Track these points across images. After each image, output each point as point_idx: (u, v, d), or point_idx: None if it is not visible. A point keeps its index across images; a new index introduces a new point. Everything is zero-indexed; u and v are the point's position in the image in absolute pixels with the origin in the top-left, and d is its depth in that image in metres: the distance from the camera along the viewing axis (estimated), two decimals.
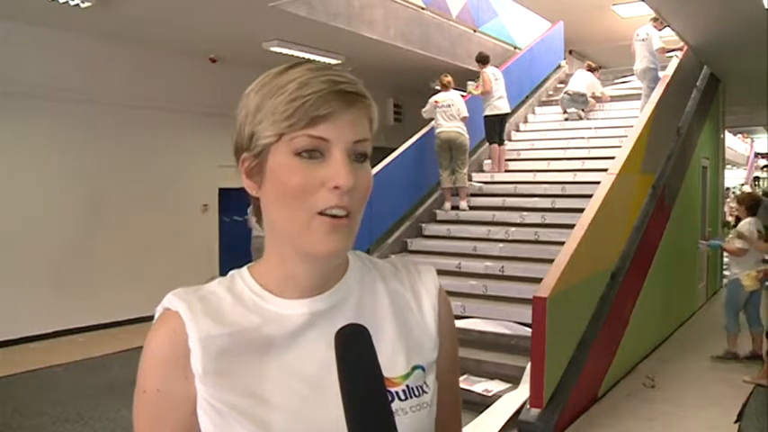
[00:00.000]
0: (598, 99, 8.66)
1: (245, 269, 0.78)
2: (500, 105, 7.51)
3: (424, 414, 0.75)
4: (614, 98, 8.94)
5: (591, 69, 8.78)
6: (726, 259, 5.87)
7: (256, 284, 0.76)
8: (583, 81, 8.46)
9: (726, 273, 5.79)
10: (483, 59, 7.62)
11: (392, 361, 0.75)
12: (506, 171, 7.60)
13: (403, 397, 0.73)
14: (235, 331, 0.72)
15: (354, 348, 0.63)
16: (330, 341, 0.65)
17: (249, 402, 0.69)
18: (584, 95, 8.39)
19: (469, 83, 8.05)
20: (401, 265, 0.86)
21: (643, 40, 7.50)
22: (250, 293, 0.75)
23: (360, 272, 0.80)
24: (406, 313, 0.80)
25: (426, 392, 0.76)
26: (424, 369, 0.77)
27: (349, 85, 0.70)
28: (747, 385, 4.89)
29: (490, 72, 7.53)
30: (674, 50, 7.45)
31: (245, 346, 0.71)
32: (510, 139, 8.16)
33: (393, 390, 0.73)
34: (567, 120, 8.50)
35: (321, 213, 0.68)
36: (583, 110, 8.43)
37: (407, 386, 0.74)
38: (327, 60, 7.73)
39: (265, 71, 0.74)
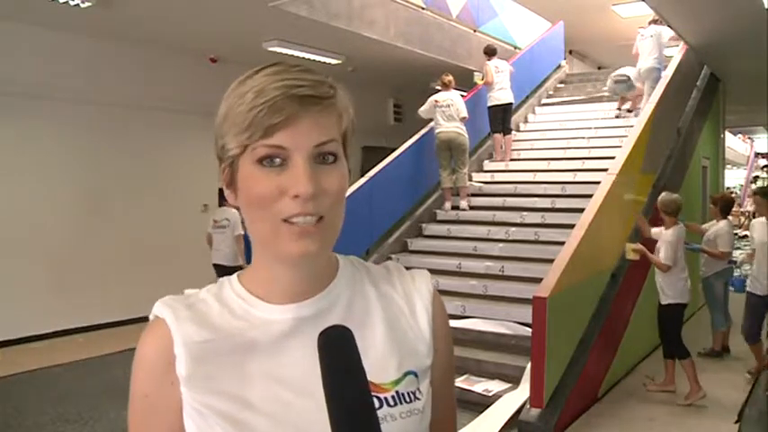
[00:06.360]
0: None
1: (234, 276, 0.78)
2: (500, 96, 7.64)
3: (415, 420, 0.73)
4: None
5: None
6: None
7: (244, 290, 0.76)
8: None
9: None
10: (488, 51, 7.87)
11: (382, 367, 0.73)
12: (512, 160, 7.68)
13: (392, 403, 0.72)
14: (219, 336, 0.72)
15: (337, 350, 0.62)
16: (316, 348, 0.65)
17: (231, 406, 0.68)
18: (626, 77, 7.62)
19: (476, 73, 8.41)
20: (394, 269, 0.84)
21: (651, 36, 7.43)
22: (237, 299, 0.75)
23: (350, 277, 0.79)
24: (398, 318, 0.78)
25: (419, 399, 0.74)
26: (416, 375, 0.75)
27: (306, 87, 0.68)
28: (747, 385, 4.89)
29: (492, 64, 7.69)
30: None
31: (229, 351, 0.71)
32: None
33: (382, 396, 0.71)
34: (618, 117, 7.99)
35: (286, 221, 0.68)
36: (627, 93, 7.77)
37: (397, 392, 0.73)
38: (327, 60, 7.75)
39: None
